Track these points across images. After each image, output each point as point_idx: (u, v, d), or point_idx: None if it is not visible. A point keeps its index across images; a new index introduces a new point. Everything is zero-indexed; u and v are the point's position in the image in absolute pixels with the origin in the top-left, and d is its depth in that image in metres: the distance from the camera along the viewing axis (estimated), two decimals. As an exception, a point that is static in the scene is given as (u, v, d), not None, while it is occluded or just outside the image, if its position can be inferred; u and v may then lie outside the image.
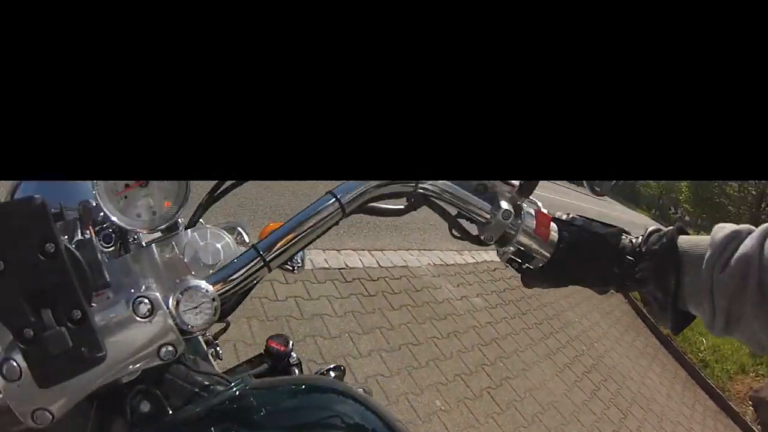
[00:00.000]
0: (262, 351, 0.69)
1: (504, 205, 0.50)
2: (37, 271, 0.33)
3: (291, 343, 0.70)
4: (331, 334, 2.27)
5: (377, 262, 3.18)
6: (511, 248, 0.52)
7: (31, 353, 0.33)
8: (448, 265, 3.65)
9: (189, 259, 0.46)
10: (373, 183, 0.47)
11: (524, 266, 0.54)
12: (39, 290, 0.33)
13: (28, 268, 0.33)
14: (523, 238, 0.51)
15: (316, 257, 2.91)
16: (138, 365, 0.39)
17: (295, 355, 0.70)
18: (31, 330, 0.33)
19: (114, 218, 0.43)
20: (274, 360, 0.67)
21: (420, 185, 0.50)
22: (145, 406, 0.43)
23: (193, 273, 0.44)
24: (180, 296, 0.40)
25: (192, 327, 0.40)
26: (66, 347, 0.33)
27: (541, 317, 3.43)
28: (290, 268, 0.68)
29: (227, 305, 0.48)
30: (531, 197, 0.53)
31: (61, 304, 0.34)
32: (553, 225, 0.52)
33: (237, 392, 0.45)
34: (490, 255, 4.12)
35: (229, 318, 0.58)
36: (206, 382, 0.47)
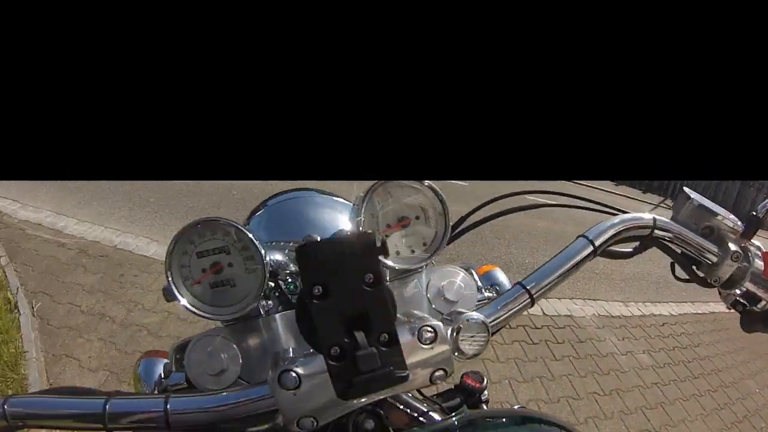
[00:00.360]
0: (453, 386, 0.65)
1: (732, 247, 0.51)
2: (360, 298, 0.36)
3: (486, 381, 0.67)
4: (492, 379, 2.47)
5: (542, 309, 3.42)
6: (738, 291, 0.53)
7: (336, 369, 0.35)
8: (613, 316, 3.68)
9: (432, 295, 0.49)
10: (620, 226, 0.52)
11: (749, 308, 0.54)
12: (357, 314, 0.36)
13: (352, 294, 0.35)
14: (751, 280, 0.52)
15: None
16: (411, 386, 0.41)
17: (487, 393, 0.67)
18: (338, 348, 0.35)
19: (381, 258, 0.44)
20: (467, 395, 0.63)
21: (657, 228, 0.53)
22: (369, 425, 0.43)
23: (434, 306, 0.48)
24: (460, 326, 0.42)
25: (464, 355, 0.42)
26: (375, 366, 0.35)
27: (716, 384, 3.18)
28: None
29: None
30: (754, 240, 0.54)
31: (375, 328, 0.36)
32: None
33: (456, 422, 0.46)
34: (657, 308, 4.01)
35: None
36: (424, 409, 0.49)
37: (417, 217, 0.49)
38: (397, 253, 0.48)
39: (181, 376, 0.51)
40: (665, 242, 0.53)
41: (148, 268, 3.04)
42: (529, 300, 0.47)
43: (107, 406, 0.40)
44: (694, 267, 0.54)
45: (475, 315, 0.43)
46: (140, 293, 2.77)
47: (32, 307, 2.46)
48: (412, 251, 0.48)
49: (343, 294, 0.35)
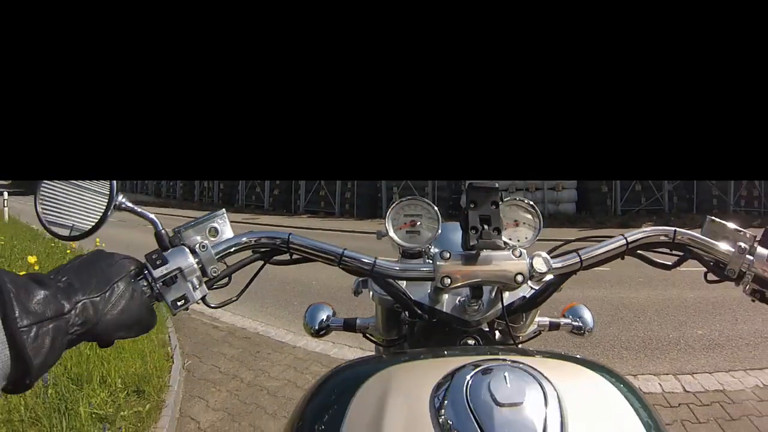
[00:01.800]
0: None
1: (742, 245, 0.63)
2: (488, 213, 0.61)
3: (586, 317, 0.97)
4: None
5: (682, 386, 2.92)
6: (751, 280, 0.63)
7: (472, 236, 0.60)
8: None
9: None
10: (649, 231, 0.66)
11: (765, 294, 0.63)
12: (486, 217, 0.61)
13: (486, 210, 0.61)
14: (758, 266, 0.62)
15: None
16: (504, 278, 0.62)
17: (588, 326, 0.98)
18: (475, 229, 0.61)
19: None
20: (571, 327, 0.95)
21: (677, 234, 0.65)
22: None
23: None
24: (534, 255, 0.63)
25: (535, 271, 0.61)
26: (487, 234, 0.60)
27: None
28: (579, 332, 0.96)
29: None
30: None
31: (493, 224, 0.61)
32: None
33: (495, 355, 0.53)
34: None
35: None
36: (488, 336, 0.74)
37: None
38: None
39: (340, 320, 0.98)
40: (689, 248, 0.66)
41: (280, 349, 3.58)
42: (579, 261, 0.65)
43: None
44: (718, 268, 0.65)
45: (543, 253, 0.64)
46: (269, 365, 3.27)
47: (183, 362, 3.11)
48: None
49: (482, 209, 0.61)
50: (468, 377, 0.46)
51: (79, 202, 0.58)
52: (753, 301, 0.65)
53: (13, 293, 0.39)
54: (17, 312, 0.39)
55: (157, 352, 3.05)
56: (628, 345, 3.59)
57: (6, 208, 12.19)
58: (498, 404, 0.42)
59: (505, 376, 0.45)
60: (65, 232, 0.58)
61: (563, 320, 0.97)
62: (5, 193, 12.28)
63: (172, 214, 12.93)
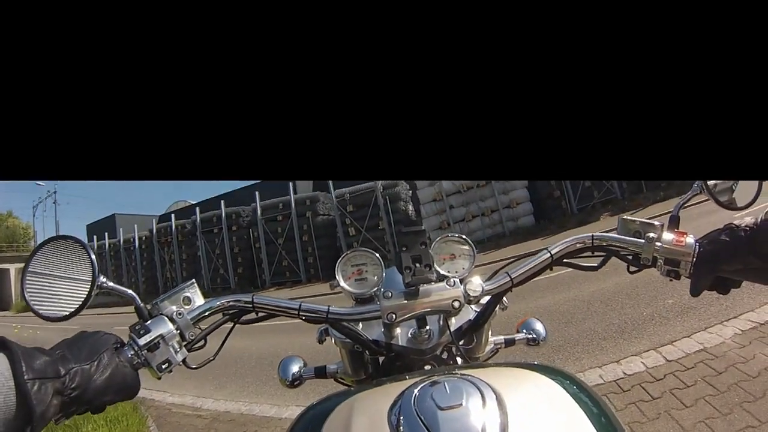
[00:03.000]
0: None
1: (650, 235, 0.70)
2: (419, 252, 0.72)
3: (536, 329, 1.05)
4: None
5: (664, 358, 2.97)
6: (663, 263, 0.69)
7: (408, 277, 0.70)
8: (762, 324, 3.02)
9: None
10: (570, 241, 0.74)
11: (677, 272, 0.69)
12: (417, 256, 0.71)
13: (417, 250, 0.71)
14: (665, 251, 0.68)
15: (589, 375, 2.96)
16: (439, 307, 0.69)
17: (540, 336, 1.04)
18: (409, 269, 0.70)
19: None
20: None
21: (595, 239, 0.73)
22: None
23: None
24: (467, 280, 0.72)
25: (469, 296, 0.70)
26: (419, 272, 0.69)
27: None
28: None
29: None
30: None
31: (423, 262, 0.71)
32: (689, 237, 0.68)
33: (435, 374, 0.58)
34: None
35: None
36: (443, 357, 0.80)
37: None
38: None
39: (311, 369, 1.03)
40: (608, 248, 0.74)
41: (267, 423, 3.42)
42: (509, 280, 0.73)
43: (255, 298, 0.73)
44: (635, 260, 0.72)
45: (475, 278, 0.74)
46: None
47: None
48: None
49: (413, 250, 0.71)
50: (416, 390, 0.51)
51: (64, 287, 0.64)
52: (671, 280, 0.71)
53: (21, 353, 0.48)
54: (24, 367, 0.47)
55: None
56: (605, 335, 3.63)
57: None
58: (440, 408, 0.47)
59: (445, 385, 0.50)
60: (54, 314, 0.63)
61: (518, 336, 1.04)
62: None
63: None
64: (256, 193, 14.56)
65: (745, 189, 0.76)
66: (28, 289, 0.63)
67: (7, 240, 34.91)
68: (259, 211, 14.39)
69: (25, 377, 0.46)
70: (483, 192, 11.77)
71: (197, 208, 16.55)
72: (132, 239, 18.91)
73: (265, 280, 14.38)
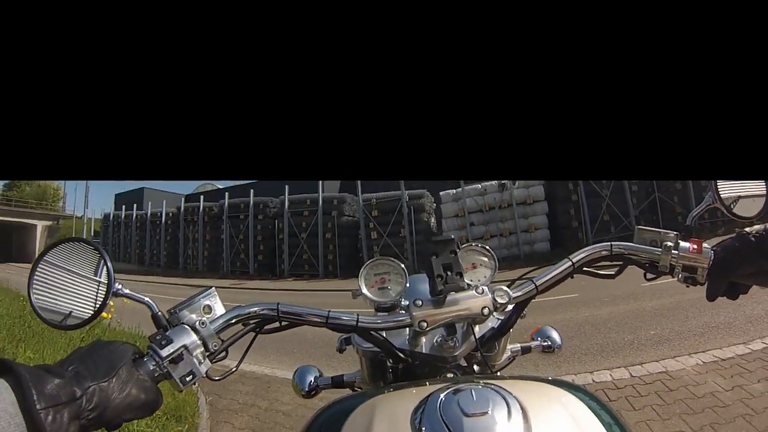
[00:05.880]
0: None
1: (668, 244, 0.72)
2: (449, 260, 0.71)
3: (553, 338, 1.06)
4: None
5: (630, 373, 3.46)
6: (681, 270, 0.71)
7: (441, 285, 0.68)
8: (723, 360, 3.47)
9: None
10: (590, 250, 0.75)
11: (694, 278, 0.71)
12: (448, 264, 0.70)
13: (447, 258, 0.70)
14: (683, 259, 0.70)
15: (564, 378, 3.39)
16: (470, 314, 0.69)
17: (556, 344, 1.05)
18: (440, 277, 0.68)
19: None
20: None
21: (614, 247, 0.75)
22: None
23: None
24: (494, 289, 0.71)
25: (497, 303, 0.69)
26: (451, 279, 0.69)
27: None
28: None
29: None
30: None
31: (454, 269, 0.70)
32: (705, 245, 0.71)
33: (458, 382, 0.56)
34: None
35: None
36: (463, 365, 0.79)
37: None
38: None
39: (328, 379, 1.04)
40: (626, 257, 0.75)
41: (287, 383, 3.99)
42: (534, 287, 0.73)
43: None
44: (653, 267, 0.74)
45: (502, 286, 0.73)
46: (280, 395, 3.75)
47: (206, 398, 3.56)
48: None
49: (443, 258, 0.71)
50: (442, 396, 0.51)
51: (76, 290, 0.59)
52: (687, 286, 0.73)
53: (30, 380, 0.42)
54: (35, 396, 0.41)
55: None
56: (587, 351, 4.17)
57: None
58: (466, 415, 0.48)
59: (472, 392, 0.51)
60: (58, 319, 0.59)
61: (533, 343, 1.06)
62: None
63: (160, 282, 13.20)
64: (286, 186, 15.31)
65: (755, 200, 0.77)
66: (35, 293, 0.58)
67: (37, 198, 35.45)
68: (286, 204, 15.11)
69: (37, 407, 0.41)
70: (504, 213, 12.18)
71: (226, 194, 17.28)
72: (159, 214, 19.62)
73: (284, 270, 15.04)
